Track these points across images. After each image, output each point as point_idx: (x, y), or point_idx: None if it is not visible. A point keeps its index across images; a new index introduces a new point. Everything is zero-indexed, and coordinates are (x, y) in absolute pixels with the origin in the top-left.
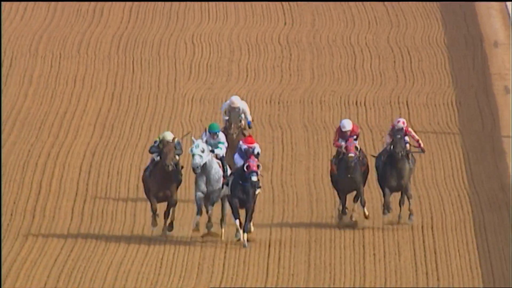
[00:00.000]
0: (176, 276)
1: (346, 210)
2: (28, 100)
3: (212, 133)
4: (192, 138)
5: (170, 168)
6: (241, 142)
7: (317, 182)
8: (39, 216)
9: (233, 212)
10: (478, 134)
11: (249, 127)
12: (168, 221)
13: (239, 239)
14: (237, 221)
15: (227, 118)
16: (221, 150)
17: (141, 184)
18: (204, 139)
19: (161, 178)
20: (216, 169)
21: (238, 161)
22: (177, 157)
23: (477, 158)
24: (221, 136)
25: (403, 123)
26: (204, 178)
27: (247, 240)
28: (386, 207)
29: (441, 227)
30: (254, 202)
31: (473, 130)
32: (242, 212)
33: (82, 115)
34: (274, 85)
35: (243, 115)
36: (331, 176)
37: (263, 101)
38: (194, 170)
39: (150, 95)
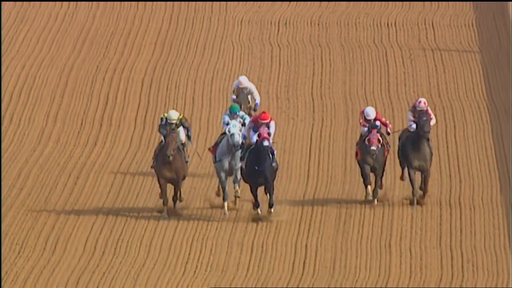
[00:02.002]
0: (204, 264)
1: (370, 193)
2: (96, 22)
3: (233, 113)
4: (227, 119)
5: (171, 158)
6: (254, 119)
7: (352, 95)
8: (106, 125)
9: (255, 201)
10: (496, 51)
11: (255, 110)
12: (177, 204)
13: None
14: (260, 210)
15: (234, 97)
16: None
17: (196, 98)
18: (226, 118)
19: (167, 161)
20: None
21: (254, 138)
22: (182, 138)
23: (495, 73)
24: (241, 113)
25: (425, 104)
26: (228, 157)
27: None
28: (413, 189)
29: (463, 135)
30: (274, 180)
31: (491, 48)
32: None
33: (144, 35)
34: (314, 8)
35: (250, 96)
36: (357, 161)
37: (305, 22)
38: (235, 147)
39: (204, 17)
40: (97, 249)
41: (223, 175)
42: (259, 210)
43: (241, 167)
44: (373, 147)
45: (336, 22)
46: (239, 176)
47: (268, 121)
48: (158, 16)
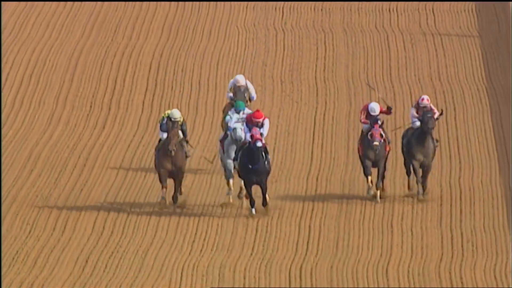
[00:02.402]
0: (210, 243)
1: (371, 184)
2: (105, 7)
3: (238, 110)
4: (229, 113)
5: (173, 153)
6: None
7: (355, 78)
8: (115, 108)
9: (248, 194)
10: (495, 36)
11: (250, 100)
12: (177, 202)
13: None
14: (254, 210)
15: (231, 95)
16: None
17: (202, 81)
18: (232, 115)
19: (169, 156)
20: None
21: (247, 137)
22: (181, 135)
23: (494, 57)
24: (248, 111)
25: (427, 100)
26: (235, 148)
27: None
28: (418, 183)
29: (462, 118)
30: (267, 178)
31: (490, 33)
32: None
33: (152, 20)
34: None
35: (247, 93)
36: (359, 156)
37: (308, 8)
38: (237, 142)
39: (210, 3)
40: (106, 229)
41: (230, 163)
42: (253, 210)
43: (235, 166)
44: (376, 142)
45: (339, 7)
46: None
47: (261, 120)
48: (165, 2)
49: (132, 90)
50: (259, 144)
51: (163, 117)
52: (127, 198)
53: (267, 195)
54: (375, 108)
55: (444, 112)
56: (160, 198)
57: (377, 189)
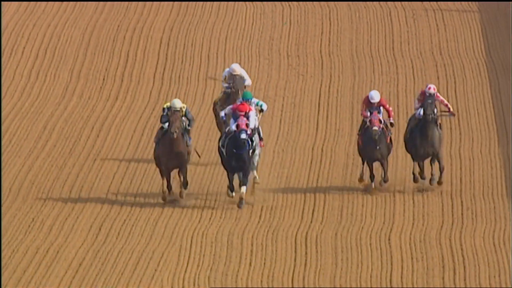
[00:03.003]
0: (219, 212)
1: (374, 177)
2: None
3: (246, 100)
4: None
5: (175, 135)
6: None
7: (358, 53)
8: (127, 80)
9: (229, 184)
10: (494, 11)
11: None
12: (184, 190)
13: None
14: (233, 193)
15: (226, 85)
16: (265, 106)
17: (211, 55)
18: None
19: (171, 146)
20: (256, 141)
21: (233, 126)
22: (184, 123)
23: (493, 32)
24: (255, 100)
25: (434, 89)
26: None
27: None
28: (420, 176)
29: (462, 90)
30: (249, 164)
31: (489, 8)
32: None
33: None
34: None
35: (243, 81)
36: (358, 148)
37: None
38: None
39: None
40: (119, 198)
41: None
42: (233, 194)
43: (221, 154)
44: (375, 127)
45: None
46: (255, 162)
47: (245, 112)
48: None
49: (143, 64)
50: (243, 135)
51: (163, 109)
52: (139, 167)
53: (248, 180)
54: (375, 95)
55: (452, 109)
56: (163, 190)
57: (384, 181)
